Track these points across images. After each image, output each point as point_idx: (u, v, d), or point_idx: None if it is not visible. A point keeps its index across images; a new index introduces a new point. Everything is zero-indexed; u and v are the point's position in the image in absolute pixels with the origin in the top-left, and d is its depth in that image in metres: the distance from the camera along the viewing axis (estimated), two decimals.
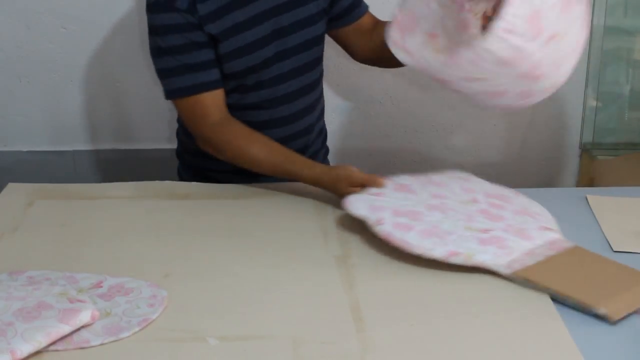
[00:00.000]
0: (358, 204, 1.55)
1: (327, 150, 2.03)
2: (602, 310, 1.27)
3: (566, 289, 1.33)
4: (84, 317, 1.23)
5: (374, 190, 1.61)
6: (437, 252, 1.42)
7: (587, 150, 2.53)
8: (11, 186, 1.77)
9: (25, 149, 2.44)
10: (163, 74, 1.73)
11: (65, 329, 1.21)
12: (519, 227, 1.51)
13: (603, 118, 2.53)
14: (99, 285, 1.35)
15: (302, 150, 1.86)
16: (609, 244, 1.52)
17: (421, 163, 2.56)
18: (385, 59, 1.76)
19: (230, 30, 1.70)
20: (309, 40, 1.79)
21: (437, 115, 2.50)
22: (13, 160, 2.44)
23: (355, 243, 1.53)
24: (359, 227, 1.59)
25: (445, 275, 1.42)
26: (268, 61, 1.76)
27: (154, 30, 1.71)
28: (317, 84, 1.88)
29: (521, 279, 1.38)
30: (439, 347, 1.22)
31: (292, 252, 1.50)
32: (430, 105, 2.49)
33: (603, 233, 1.57)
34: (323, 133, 1.99)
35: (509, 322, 1.29)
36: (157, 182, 1.78)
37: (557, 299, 1.33)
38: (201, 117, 1.73)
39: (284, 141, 1.76)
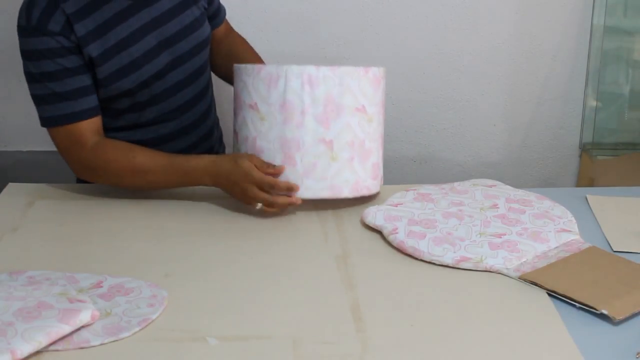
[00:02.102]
0: (375, 215, 1.58)
1: (224, 148, 2.04)
2: (603, 311, 1.27)
3: (570, 290, 1.33)
4: (84, 317, 1.23)
5: (394, 200, 1.63)
6: (447, 258, 1.44)
7: (587, 150, 2.53)
8: (11, 186, 1.77)
9: (25, 149, 2.44)
10: (36, 100, 1.66)
11: (66, 328, 1.21)
12: (534, 230, 1.52)
13: (603, 118, 2.53)
14: (99, 285, 1.35)
15: (212, 149, 1.89)
16: (609, 244, 1.52)
17: (421, 163, 2.56)
18: (228, 76, 1.81)
19: (114, 49, 1.65)
20: (197, 45, 1.78)
21: (437, 115, 2.51)
22: (13, 160, 2.44)
23: (355, 243, 1.53)
24: (359, 227, 1.59)
25: (445, 276, 1.42)
26: (160, 73, 1.72)
27: (26, 55, 1.64)
28: (209, 85, 1.87)
29: (528, 282, 1.38)
30: (439, 347, 1.22)
31: (292, 252, 1.51)
32: (430, 105, 2.49)
33: (603, 233, 1.57)
34: (219, 133, 2.00)
35: (509, 322, 1.29)
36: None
37: (562, 301, 1.33)
38: (77, 144, 1.66)
39: (190, 149, 1.76)
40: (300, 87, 1.56)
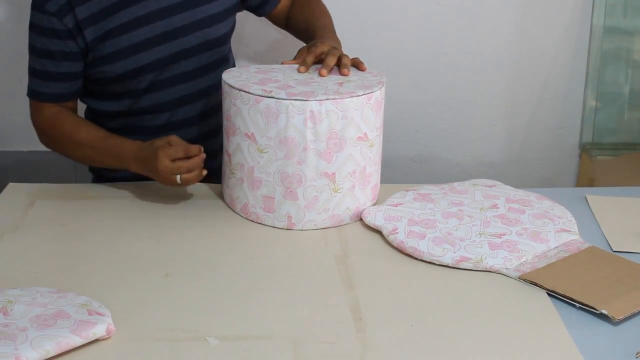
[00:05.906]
0: (375, 215, 1.58)
1: None
2: (603, 311, 1.28)
3: (570, 290, 1.34)
4: (99, 330, 1.22)
5: (394, 200, 1.62)
6: (447, 258, 1.44)
7: (586, 150, 2.53)
8: (12, 186, 1.77)
9: (25, 149, 2.44)
10: (28, 70, 1.75)
11: (77, 340, 1.20)
12: (534, 231, 1.52)
13: (602, 118, 2.53)
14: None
15: (215, 153, 1.80)
16: (609, 244, 1.53)
17: (421, 163, 2.56)
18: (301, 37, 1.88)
19: (115, 31, 1.67)
20: (209, 41, 1.76)
21: (437, 115, 2.51)
22: (13, 160, 2.44)
23: (355, 243, 1.53)
24: (359, 227, 1.59)
25: (445, 275, 1.42)
26: (160, 62, 1.72)
27: (29, 26, 1.71)
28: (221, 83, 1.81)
29: (528, 282, 1.38)
30: (439, 347, 1.23)
31: (292, 252, 1.51)
32: (430, 105, 2.49)
33: (602, 233, 1.57)
34: None
35: (509, 322, 1.29)
36: (157, 182, 1.78)
37: (562, 301, 1.33)
38: (37, 111, 1.76)
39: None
40: (302, 123, 1.51)
